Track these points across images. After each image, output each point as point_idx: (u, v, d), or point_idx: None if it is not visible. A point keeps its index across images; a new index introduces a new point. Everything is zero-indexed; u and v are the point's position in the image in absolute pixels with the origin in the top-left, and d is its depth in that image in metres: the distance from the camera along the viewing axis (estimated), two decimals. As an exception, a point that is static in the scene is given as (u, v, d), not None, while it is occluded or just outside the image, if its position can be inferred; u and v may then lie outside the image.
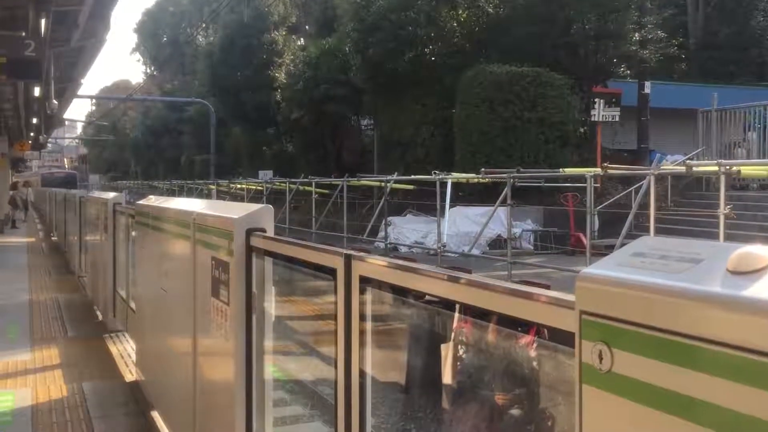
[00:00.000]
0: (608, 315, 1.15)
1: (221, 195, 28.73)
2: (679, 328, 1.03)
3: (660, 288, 1.08)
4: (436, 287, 1.85)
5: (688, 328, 1.02)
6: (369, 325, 2.25)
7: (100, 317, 9.07)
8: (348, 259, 2.27)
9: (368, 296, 2.25)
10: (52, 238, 21.97)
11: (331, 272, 2.37)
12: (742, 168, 10.91)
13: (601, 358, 1.16)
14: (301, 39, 39.42)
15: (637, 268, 1.15)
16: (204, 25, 42.36)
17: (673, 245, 1.19)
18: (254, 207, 3.50)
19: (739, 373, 0.95)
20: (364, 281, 2.22)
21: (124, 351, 7.29)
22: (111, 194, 8.99)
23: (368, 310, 2.26)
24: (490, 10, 22.36)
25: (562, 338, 1.36)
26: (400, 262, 2.13)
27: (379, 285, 2.21)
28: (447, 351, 2.72)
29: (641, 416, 1.10)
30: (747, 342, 0.94)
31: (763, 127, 17.63)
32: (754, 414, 0.93)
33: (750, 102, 18.95)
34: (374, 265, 2.19)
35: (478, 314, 1.94)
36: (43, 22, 10.07)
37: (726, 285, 1.00)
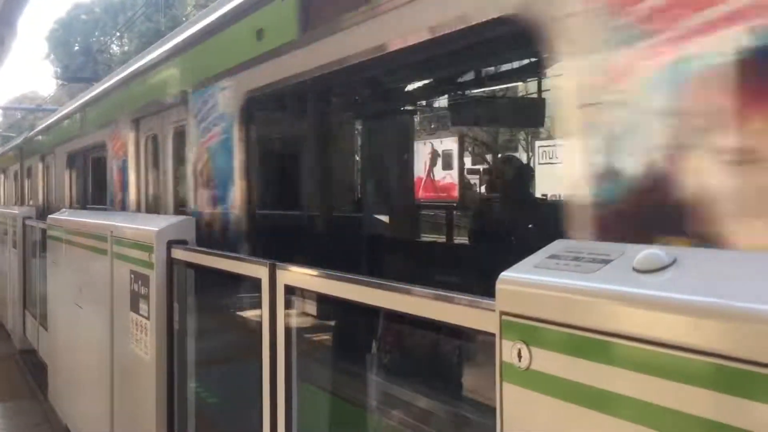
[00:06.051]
0: (526, 315, 1.20)
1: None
2: (591, 325, 1.10)
3: (572, 288, 1.14)
4: (360, 294, 1.87)
5: (600, 324, 1.09)
6: (294, 332, 2.26)
7: (9, 336, 8.66)
8: (273, 268, 2.27)
9: (293, 304, 2.26)
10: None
11: (256, 282, 2.36)
12: None
13: (520, 357, 1.21)
14: (220, 49, 38.91)
15: (552, 270, 1.21)
16: (118, 34, 41.23)
17: (586, 247, 1.26)
18: (175, 218, 3.44)
19: (648, 365, 1.02)
20: (289, 290, 2.23)
21: (36, 370, 6.98)
22: (20, 208, 8.60)
23: (293, 318, 2.27)
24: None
25: (483, 339, 1.42)
26: (325, 270, 2.15)
27: (304, 293, 2.23)
28: (372, 353, 2.75)
29: (559, 411, 1.15)
30: (653, 336, 1.01)
31: None
32: (666, 405, 0.99)
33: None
34: (299, 274, 2.21)
35: (402, 317, 1.98)
36: (-55, 28, 9.58)
37: (631, 283, 1.07)
